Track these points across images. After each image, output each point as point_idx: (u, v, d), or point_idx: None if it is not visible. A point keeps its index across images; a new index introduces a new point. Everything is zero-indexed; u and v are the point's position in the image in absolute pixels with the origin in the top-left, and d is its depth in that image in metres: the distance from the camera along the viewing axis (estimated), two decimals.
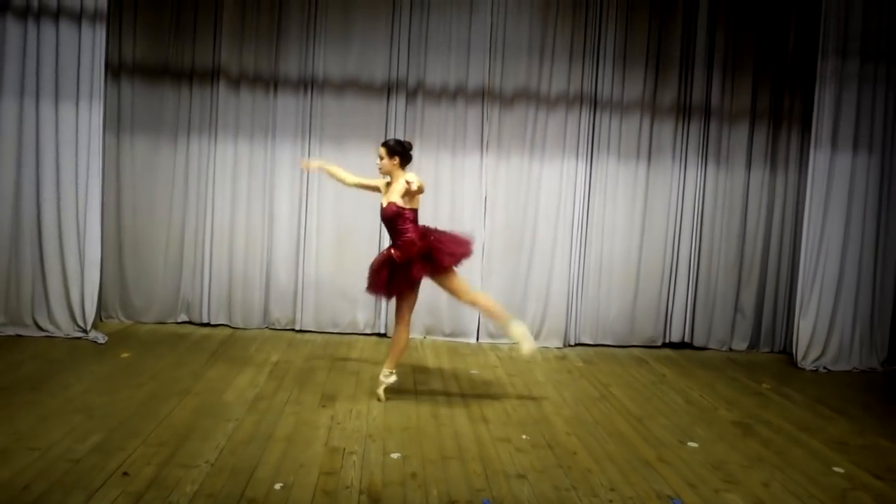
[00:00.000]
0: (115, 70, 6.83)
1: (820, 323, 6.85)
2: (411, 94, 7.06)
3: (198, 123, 6.97)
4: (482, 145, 7.10)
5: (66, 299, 6.40)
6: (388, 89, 7.03)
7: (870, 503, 4.00)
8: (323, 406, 5.06)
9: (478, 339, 7.21)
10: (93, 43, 6.25)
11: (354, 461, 4.17)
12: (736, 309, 7.42)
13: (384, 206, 5.16)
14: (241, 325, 7.12)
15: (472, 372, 6.20)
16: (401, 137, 6.79)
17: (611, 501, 3.85)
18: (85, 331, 6.37)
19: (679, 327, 7.35)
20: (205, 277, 7.06)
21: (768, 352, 7.49)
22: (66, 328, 6.38)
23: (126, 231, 7.00)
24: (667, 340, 7.39)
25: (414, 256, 5.00)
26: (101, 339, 6.31)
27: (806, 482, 4.24)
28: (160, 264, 7.07)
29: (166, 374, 5.60)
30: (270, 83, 6.98)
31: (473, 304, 5.45)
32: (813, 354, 6.85)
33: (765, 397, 5.96)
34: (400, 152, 5.17)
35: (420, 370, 6.18)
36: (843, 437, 5.04)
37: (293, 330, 7.19)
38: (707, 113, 7.22)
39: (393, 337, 5.37)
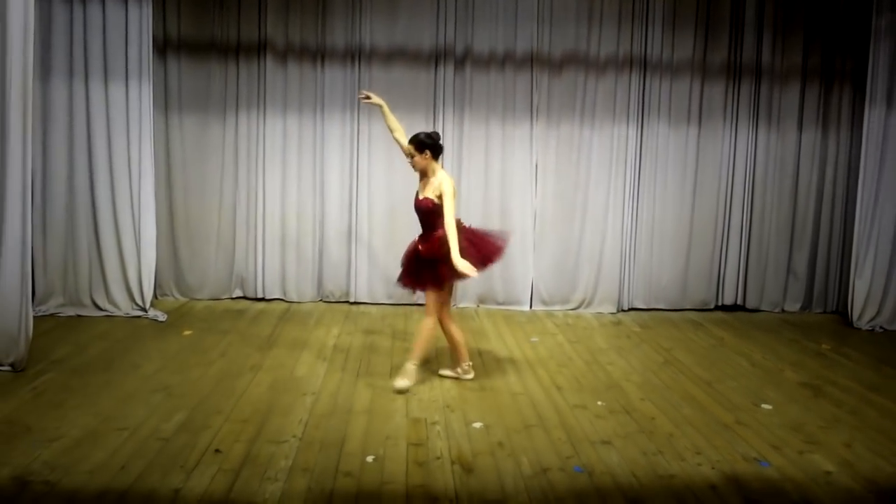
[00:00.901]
0: (161, 47, 6.76)
1: (875, 282, 6.83)
2: (459, 63, 6.98)
3: (245, 99, 6.91)
4: (532, 112, 7.03)
5: (123, 278, 6.42)
6: (436, 58, 6.95)
7: None
8: (393, 378, 5.11)
9: (531, 306, 7.21)
10: (140, 21, 6.19)
11: (438, 431, 4.21)
12: (788, 270, 7.39)
13: (419, 198, 4.91)
14: (295, 299, 7.14)
15: (532, 339, 6.21)
16: (457, 121, 6.92)
17: (699, 465, 3.88)
18: (144, 309, 6.40)
19: (732, 290, 7.33)
20: (258, 252, 7.06)
21: (821, 312, 7.48)
22: (124, 307, 6.41)
23: (178, 209, 6.98)
24: (719, 303, 7.39)
25: (440, 256, 4.74)
26: (161, 317, 6.34)
27: (886, 441, 4.27)
28: (213, 241, 7.07)
29: (233, 350, 5.64)
30: (317, 55, 6.91)
31: (425, 326, 4.95)
32: (868, 314, 6.85)
33: (827, 358, 5.97)
34: (430, 145, 4.87)
35: (482, 338, 6.21)
36: None
37: (347, 302, 7.21)
38: (758, 73, 7.12)
39: (418, 327, 5.14)
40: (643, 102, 7.07)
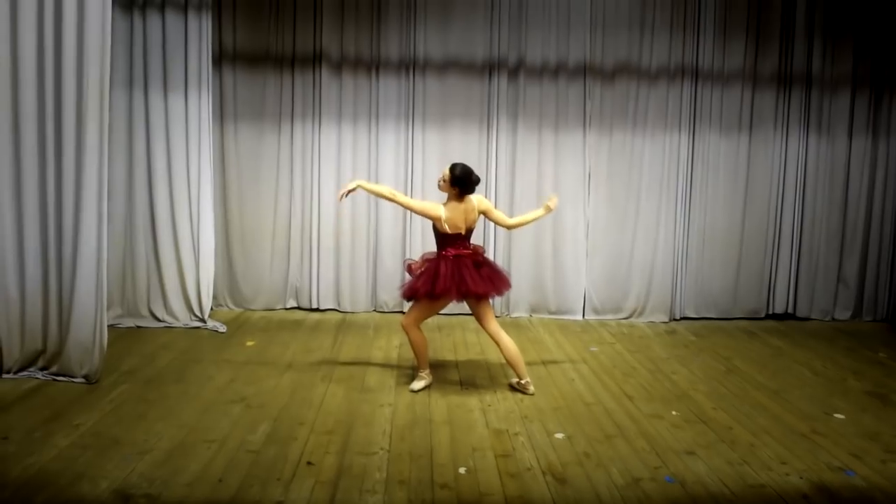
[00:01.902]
0: (216, 58, 6.79)
1: None
2: (512, 72, 7.03)
3: (300, 109, 6.96)
4: (584, 121, 7.07)
5: (181, 289, 6.47)
6: (490, 68, 6.99)
7: None
8: (465, 389, 5.12)
9: (584, 315, 7.24)
10: (199, 32, 6.26)
11: (522, 442, 4.23)
12: (839, 279, 7.41)
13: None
14: (349, 309, 7.18)
15: (592, 349, 6.24)
16: (510, 130, 6.97)
17: (787, 475, 3.89)
18: (203, 320, 6.45)
19: (782, 298, 7.35)
20: (313, 263, 7.10)
21: (871, 320, 7.50)
22: (183, 318, 6.45)
23: (233, 220, 7.03)
24: (770, 311, 7.41)
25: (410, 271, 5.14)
26: (222, 328, 6.38)
27: None
28: (268, 252, 7.11)
29: (300, 360, 5.67)
30: (372, 66, 6.95)
31: (408, 334, 5.12)
32: None
33: (887, 367, 5.98)
34: (460, 183, 4.95)
35: (542, 348, 6.24)
36: None
37: (401, 312, 7.17)
38: (808, 81, 7.16)
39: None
40: (694, 111, 7.11)
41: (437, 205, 5.01)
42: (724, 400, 5.03)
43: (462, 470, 3.85)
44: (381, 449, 4.08)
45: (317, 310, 7.20)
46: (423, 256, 5.19)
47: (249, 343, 6.09)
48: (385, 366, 5.60)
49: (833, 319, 7.46)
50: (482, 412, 4.69)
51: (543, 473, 3.84)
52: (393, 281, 7.20)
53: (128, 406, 4.59)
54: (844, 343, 6.65)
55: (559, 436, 4.34)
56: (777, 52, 7.14)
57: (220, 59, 6.87)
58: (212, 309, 6.93)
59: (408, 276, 5.25)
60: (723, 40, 7.05)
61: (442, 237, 5.05)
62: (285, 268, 7.15)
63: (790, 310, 7.38)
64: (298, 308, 7.25)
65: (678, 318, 7.32)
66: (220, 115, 6.89)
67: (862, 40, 7.20)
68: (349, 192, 5.00)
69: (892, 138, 7.29)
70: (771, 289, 7.37)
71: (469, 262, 5.03)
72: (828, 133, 7.23)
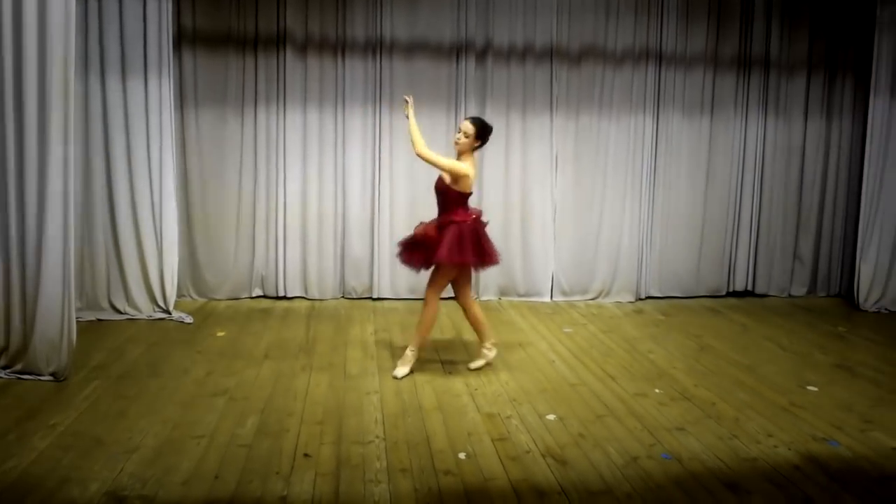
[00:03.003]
0: (175, 40, 6.50)
1: (880, 266, 7.14)
2: (480, 55, 6.97)
3: (264, 93, 6.76)
4: (551, 104, 7.08)
5: (144, 280, 6.22)
6: (457, 51, 6.92)
7: None
8: (450, 374, 5.08)
9: (552, 297, 7.28)
10: (159, 13, 5.98)
11: (516, 425, 4.23)
12: (795, 256, 7.66)
13: (438, 178, 5.04)
14: (317, 297, 7.04)
15: (566, 330, 6.28)
16: (478, 114, 6.78)
17: (775, 447, 4.00)
18: (168, 311, 6.23)
19: (742, 276, 7.56)
20: (279, 250, 6.93)
21: (825, 296, 7.78)
22: (146, 310, 6.22)
23: (195, 208, 6.79)
24: (731, 289, 7.60)
25: (430, 239, 4.94)
26: (188, 318, 6.17)
27: None
28: (232, 239, 6.90)
29: (275, 350, 5.53)
30: (338, 48, 6.79)
31: (428, 306, 5.10)
32: (874, 296, 7.16)
33: (848, 340, 6.22)
34: (483, 136, 4.94)
35: (516, 330, 6.25)
36: None
37: (370, 298, 7.15)
38: (766, 65, 7.33)
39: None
40: (658, 94, 7.20)
41: (461, 161, 4.90)
42: (702, 376, 5.14)
43: (462, 455, 3.82)
44: (377, 437, 4.01)
45: (284, 298, 7.04)
46: (425, 224, 5.05)
47: (220, 334, 5.90)
48: (364, 353, 5.51)
49: (790, 296, 7.71)
50: (470, 396, 4.67)
51: (543, 456, 3.84)
52: (362, 267, 7.13)
53: (104, 403, 4.38)
54: (804, 318, 6.88)
55: (551, 417, 4.35)
56: (737, 36, 7.28)
57: (180, 41, 6.59)
58: (175, 299, 6.72)
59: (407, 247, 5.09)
60: (685, 24, 7.16)
61: (457, 198, 4.91)
62: (250, 256, 6.96)
63: (749, 287, 7.59)
64: (265, 297, 7.08)
65: (643, 297, 7.44)
66: (181, 100, 6.61)
67: (817, 24, 7.40)
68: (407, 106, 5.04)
69: (844, 120, 7.54)
70: (731, 267, 7.57)
71: (483, 226, 5.04)
72: (785, 115, 7.43)
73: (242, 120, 6.80)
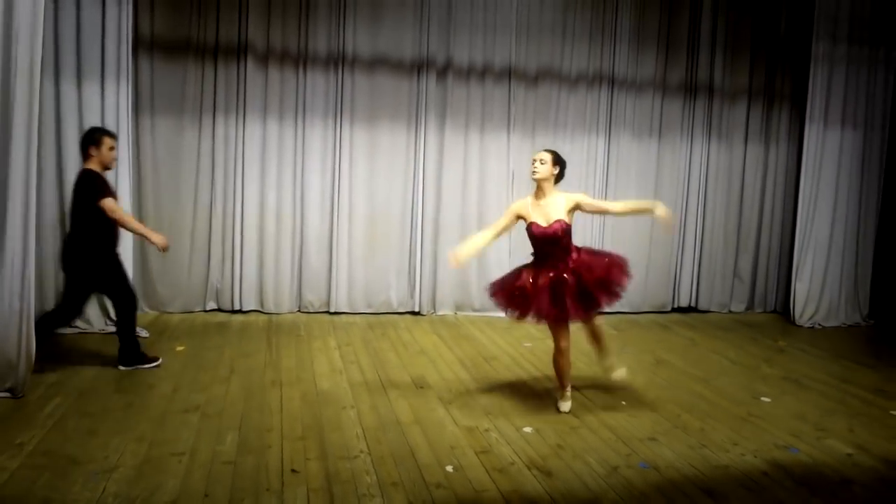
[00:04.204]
0: (133, 46, 6.26)
1: (813, 284, 7.58)
2: (441, 73, 7.07)
3: (223, 103, 6.66)
4: (509, 123, 7.24)
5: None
6: (418, 67, 7.01)
7: None
8: (421, 388, 5.11)
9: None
10: (118, 17, 5.82)
11: (496, 438, 4.29)
12: (735, 274, 8.03)
13: (549, 223, 4.65)
14: (273, 310, 6.95)
15: (525, 344, 6.40)
16: (437, 130, 6.95)
17: (743, 455, 4.19)
18: None
19: (686, 293, 7.89)
20: (235, 263, 6.82)
21: (762, 312, 8.18)
22: (97, 323, 6.01)
23: (148, 218, 6.57)
24: (675, 305, 7.91)
25: (596, 279, 4.62)
26: (143, 332, 5.95)
27: (878, 425, 4.78)
28: (186, 251, 6.74)
29: (241, 365, 5.44)
30: (299, 60, 6.77)
31: (598, 328, 4.99)
32: (808, 313, 7.59)
33: (789, 353, 6.56)
34: (561, 166, 4.78)
35: (477, 344, 6.31)
36: (877, 385, 5.68)
37: (328, 312, 7.10)
38: (710, 92, 7.71)
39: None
40: (611, 116, 7.50)
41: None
42: (663, 389, 5.33)
43: (449, 468, 3.85)
44: (362, 452, 3.99)
45: (239, 311, 6.92)
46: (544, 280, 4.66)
47: (179, 348, 5.75)
48: (331, 367, 5.48)
49: (730, 311, 8.09)
50: (446, 410, 4.70)
51: (528, 467, 3.92)
52: (319, 280, 7.08)
53: (71, 421, 4.21)
54: (746, 333, 7.22)
55: (527, 430, 4.43)
56: (684, 64, 7.66)
57: (137, 47, 6.40)
58: None
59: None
60: (636, 51, 7.48)
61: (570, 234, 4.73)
62: (205, 268, 6.82)
63: (693, 303, 7.92)
64: (219, 310, 6.94)
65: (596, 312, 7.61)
66: (136, 107, 6.42)
67: (757, 55, 7.85)
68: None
69: (781, 145, 7.99)
70: (676, 284, 7.89)
71: None
72: (727, 140, 7.83)
73: (200, 130, 6.67)
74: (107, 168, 5.13)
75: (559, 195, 4.76)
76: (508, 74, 7.17)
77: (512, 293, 4.76)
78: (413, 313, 7.19)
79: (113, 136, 5.17)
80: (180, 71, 6.56)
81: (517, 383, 5.31)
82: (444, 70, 7.06)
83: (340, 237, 6.98)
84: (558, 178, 4.83)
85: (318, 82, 6.82)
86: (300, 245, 6.98)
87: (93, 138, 5.09)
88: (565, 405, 4.81)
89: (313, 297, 7.01)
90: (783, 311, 8.04)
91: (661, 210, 4.73)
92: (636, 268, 7.48)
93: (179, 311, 6.80)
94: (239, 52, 6.65)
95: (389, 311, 7.16)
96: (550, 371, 5.72)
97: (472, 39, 7.06)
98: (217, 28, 6.61)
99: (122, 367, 5.19)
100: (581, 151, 7.39)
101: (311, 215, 6.95)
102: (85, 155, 5.10)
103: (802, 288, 7.49)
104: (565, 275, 4.61)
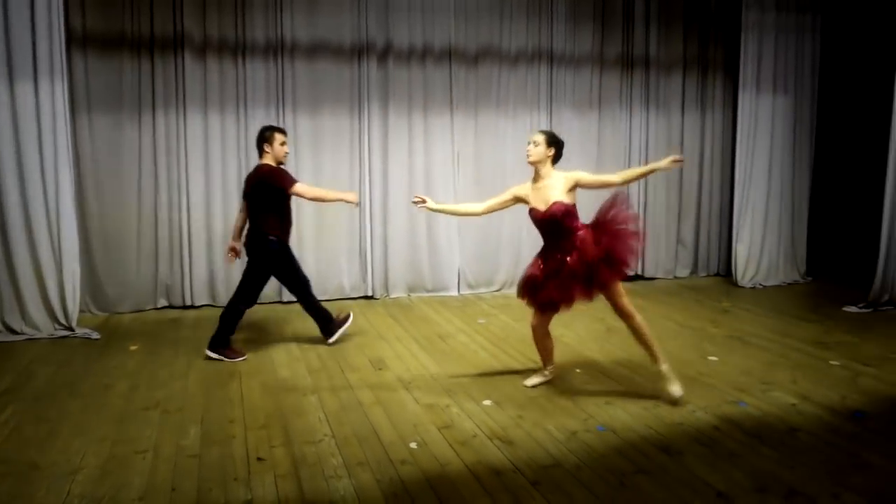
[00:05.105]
0: (66, 43, 6.05)
1: (753, 246, 7.88)
2: (381, 57, 7.08)
3: (162, 97, 6.55)
4: (451, 104, 7.30)
5: (41, 296, 5.88)
6: (359, 52, 7.00)
7: (874, 383, 4.85)
8: (380, 369, 5.17)
9: (459, 291, 7.50)
10: (49, 12, 5.64)
11: (457, 413, 4.38)
12: (678, 240, 8.27)
13: (547, 206, 4.58)
14: (225, 304, 6.79)
15: (480, 321, 6.50)
16: (381, 114, 6.95)
17: (694, 412, 4.36)
18: (71, 328, 5.91)
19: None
20: (184, 258, 6.75)
21: (706, 276, 8.46)
22: (45, 328, 5.87)
23: (92, 218, 6.48)
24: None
25: (596, 257, 4.44)
26: (94, 334, 5.89)
27: (819, 375, 5.02)
28: (133, 250, 6.65)
29: (197, 360, 5.40)
30: (238, 50, 6.70)
31: (636, 326, 4.61)
32: (749, 274, 7.89)
33: (733, 314, 6.81)
34: (557, 146, 4.71)
35: (432, 324, 6.39)
36: (818, 338, 5.95)
37: (279, 302, 7.09)
38: (647, 63, 7.89)
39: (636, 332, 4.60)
40: (551, 92, 7.61)
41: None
42: (615, 355, 5.50)
43: (413, 445, 3.93)
44: (326, 436, 4.04)
45: (191, 307, 6.87)
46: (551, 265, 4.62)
47: (133, 347, 5.69)
48: (289, 356, 5.50)
49: (675, 277, 8.35)
50: (406, 390, 4.78)
51: (490, 438, 4.01)
52: None
53: (28, 427, 4.15)
54: (691, 297, 7.46)
55: (487, 403, 4.54)
56: (620, 38, 7.82)
57: (70, 43, 6.22)
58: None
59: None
60: (573, 27, 7.60)
61: (575, 215, 4.66)
62: (153, 266, 6.74)
63: (639, 271, 8.12)
64: (171, 307, 6.88)
65: None
66: (72, 105, 6.25)
67: (690, 26, 8.06)
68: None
69: (716, 113, 8.25)
70: None
71: None
72: (664, 109, 8.04)
73: (140, 125, 6.57)
74: (280, 163, 5.48)
75: (557, 175, 4.65)
76: (449, 55, 7.23)
77: (525, 283, 4.74)
78: (366, 297, 7.23)
79: (283, 132, 5.52)
80: (116, 66, 6.43)
81: (474, 359, 5.42)
82: (385, 54, 7.07)
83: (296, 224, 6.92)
84: (555, 158, 4.73)
85: (258, 72, 6.77)
86: None
87: (265, 136, 5.45)
88: (531, 380, 4.85)
89: (265, 288, 6.91)
90: (726, 273, 8.34)
91: (663, 163, 4.54)
92: None
93: (130, 310, 6.71)
94: (176, 44, 6.55)
95: (342, 297, 7.19)
96: (506, 345, 5.90)
97: (410, 22, 7.07)
98: (151, 21, 6.49)
99: (329, 342, 5.71)
100: (524, 128, 7.47)
101: None
102: (260, 152, 5.46)
103: (743, 250, 7.78)
104: (567, 259, 4.51)
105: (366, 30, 6.96)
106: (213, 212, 6.80)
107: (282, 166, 5.45)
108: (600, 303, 7.10)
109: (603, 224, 4.66)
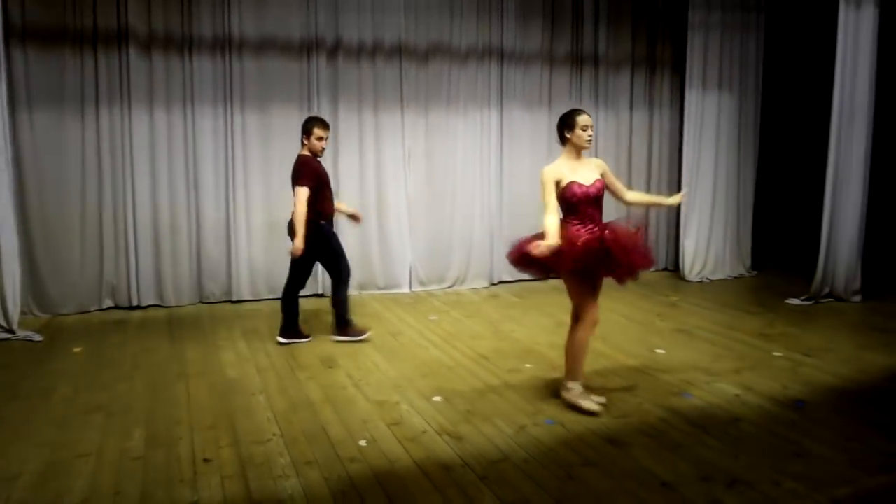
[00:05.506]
0: (4, 38, 5.92)
1: (700, 241, 8.04)
2: (331, 53, 7.02)
3: (107, 93, 6.40)
4: (402, 101, 7.28)
5: None
6: (308, 48, 6.93)
7: (814, 373, 4.99)
8: (330, 368, 5.14)
9: (411, 288, 7.50)
10: None
11: (406, 409, 4.39)
12: None
13: (593, 182, 4.38)
14: (173, 303, 6.80)
15: (431, 318, 6.51)
16: (330, 112, 6.90)
17: (642, 404, 4.45)
18: (12, 331, 5.73)
19: None
20: (130, 258, 6.61)
21: (654, 271, 8.52)
22: None
23: (33, 218, 6.31)
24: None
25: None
26: (36, 336, 5.74)
27: (762, 366, 5.16)
28: (77, 250, 6.49)
29: (144, 360, 5.32)
30: (184, 46, 6.57)
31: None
32: (696, 268, 8.05)
33: (680, 307, 6.93)
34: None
35: (384, 322, 6.37)
36: (761, 330, 6.10)
37: (230, 301, 7.00)
38: (596, 61, 7.97)
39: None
40: (502, 89, 7.63)
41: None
42: (563, 349, 5.54)
43: (362, 443, 3.92)
44: (274, 435, 4.01)
45: (138, 307, 6.74)
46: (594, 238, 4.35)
47: (77, 350, 5.56)
48: (237, 356, 5.43)
49: None
50: (356, 387, 4.77)
51: (439, 434, 4.03)
52: (219, 269, 6.97)
53: None
54: (640, 291, 7.53)
55: (437, 399, 4.56)
56: (569, 36, 7.88)
57: (8, 37, 6.03)
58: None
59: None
60: (523, 24, 7.64)
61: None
62: (98, 266, 6.59)
63: None
64: (117, 307, 6.73)
65: (496, 282, 7.87)
66: (12, 102, 6.07)
67: (638, 25, 8.17)
68: None
69: (664, 110, 8.38)
70: None
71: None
72: (613, 107, 8.14)
73: (83, 122, 6.41)
74: (316, 155, 5.60)
75: (590, 159, 4.61)
76: (399, 52, 7.20)
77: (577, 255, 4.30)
78: (317, 296, 7.16)
79: (324, 125, 5.62)
80: (58, 62, 6.27)
81: (425, 356, 5.43)
82: (335, 50, 7.01)
83: (238, 224, 6.88)
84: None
85: (205, 68, 6.66)
86: (197, 235, 6.84)
87: (304, 127, 5.62)
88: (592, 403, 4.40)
89: (214, 287, 6.91)
90: (674, 268, 8.51)
91: (672, 200, 4.88)
92: (533, 233, 7.82)
93: (74, 311, 6.56)
94: (120, 39, 6.40)
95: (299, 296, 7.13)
96: (457, 341, 5.91)
97: (360, 18, 7.03)
98: (95, 14, 6.33)
99: (336, 339, 5.78)
100: (475, 125, 7.54)
101: (207, 204, 6.82)
102: (301, 142, 5.65)
103: (690, 245, 7.94)
104: (606, 231, 4.33)
105: (315, 26, 6.90)
106: (159, 210, 6.68)
107: (318, 159, 5.61)
108: (549, 297, 7.28)
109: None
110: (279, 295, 6.98)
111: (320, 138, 5.58)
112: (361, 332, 5.81)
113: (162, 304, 6.80)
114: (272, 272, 7.00)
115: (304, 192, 5.43)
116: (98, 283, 6.61)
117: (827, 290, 7.01)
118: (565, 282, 4.44)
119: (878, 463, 3.65)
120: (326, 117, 6.96)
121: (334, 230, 5.85)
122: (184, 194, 6.75)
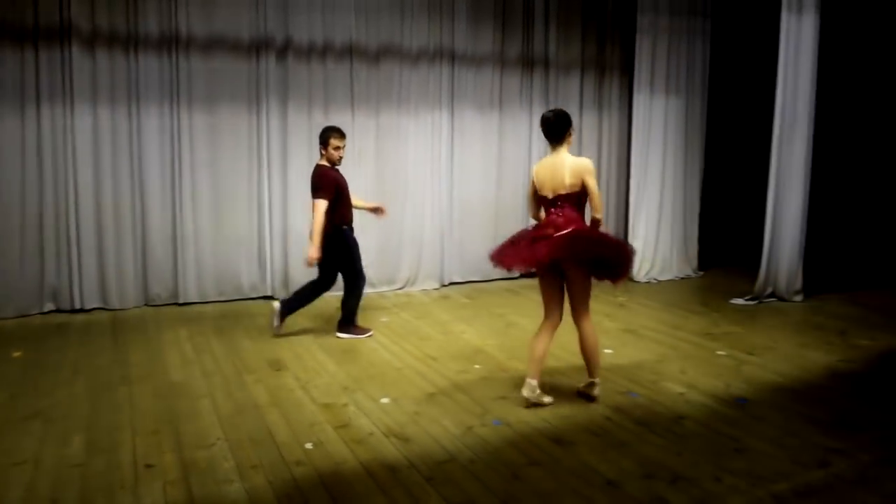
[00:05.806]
0: None
1: (648, 243, 8.16)
2: (280, 53, 6.94)
3: (48, 91, 6.23)
4: (352, 102, 7.23)
5: None
6: (257, 48, 6.84)
7: (756, 371, 5.12)
8: (278, 370, 5.10)
9: None
10: None
11: (354, 411, 4.37)
12: None
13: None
14: (117, 306, 6.64)
15: (382, 320, 6.49)
16: (280, 112, 6.88)
17: (588, 403, 4.49)
18: None
19: None
20: (72, 259, 6.44)
21: None
22: None
23: None
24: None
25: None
26: None
27: (707, 365, 5.26)
28: (16, 251, 6.29)
29: (85, 365, 5.20)
30: (130, 43, 6.42)
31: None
32: (644, 269, 8.16)
33: (628, 308, 7.03)
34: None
35: (333, 323, 6.21)
36: (706, 329, 6.23)
37: (176, 304, 6.88)
38: (546, 63, 8.04)
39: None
40: (453, 91, 7.66)
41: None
42: (512, 350, 5.59)
43: (309, 445, 3.90)
44: (218, 439, 3.96)
45: (81, 310, 6.57)
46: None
47: (16, 354, 5.41)
48: (182, 359, 5.35)
49: None
50: (303, 390, 4.73)
51: (386, 436, 4.03)
52: (165, 271, 6.84)
53: None
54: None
55: (385, 400, 4.55)
56: (520, 38, 7.92)
57: None
58: None
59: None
60: (474, 26, 7.67)
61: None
62: (39, 268, 6.41)
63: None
64: (59, 310, 6.56)
65: (447, 283, 7.89)
66: None
67: (588, 28, 8.26)
68: None
69: (613, 113, 8.48)
70: None
71: (532, 234, 4.85)
72: (565, 108, 8.00)
73: (23, 121, 6.23)
74: (334, 165, 5.76)
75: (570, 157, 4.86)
76: (349, 53, 7.15)
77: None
78: (266, 297, 7.07)
79: (340, 135, 5.76)
80: None
81: (374, 357, 5.42)
82: (284, 50, 6.93)
83: (185, 225, 6.76)
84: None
85: (151, 66, 6.53)
86: (142, 236, 6.70)
87: (321, 138, 5.77)
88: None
89: (160, 290, 6.77)
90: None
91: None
92: (485, 236, 7.89)
93: (14, 315, 6.36)
94: (62, 34, 6.23)
95: (242, 298, 7.04)
96: (407, 343, 5.92)
97: (310, 18, 6.96)
98: (35, 9, 6.15)
99: (339, 335, 5.94)
100: (426, 126, 7.53)
101: (152, 204, 6.68)
102: (319, 152, 5.81)
103: (638, 246, 7.99)
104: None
105: (264, 25, 6.81)
106: (103, 211, 6.52)
107: (336, 168, 5.76)
108: (499, 298, 7.32)
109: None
110: (229, 296, 6.98)
111: (337, 147, 5.72)
112: (365, 331, 5.97)
113: (106, 307, 6.64)
114: (221, 273, 6.94)
115: (322, 205, 5.60)
116: (39, 286, 6.44)
117: (770, 290, 7.19)
118: (581, 282, 4.78)
119: (816, 458, 3.76)
120: (276, 118, 6.99)
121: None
122: (128, 195, 6.60)
